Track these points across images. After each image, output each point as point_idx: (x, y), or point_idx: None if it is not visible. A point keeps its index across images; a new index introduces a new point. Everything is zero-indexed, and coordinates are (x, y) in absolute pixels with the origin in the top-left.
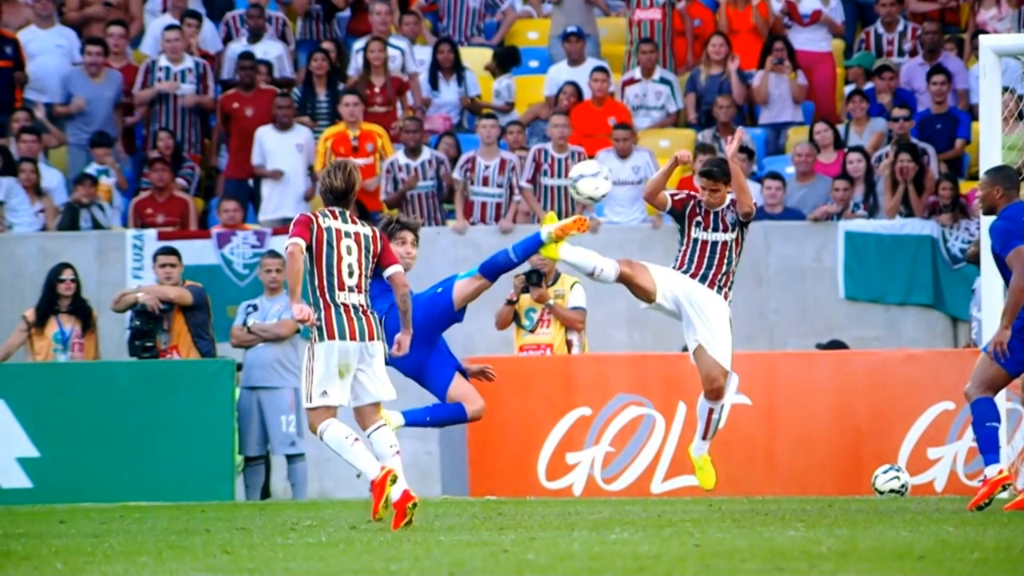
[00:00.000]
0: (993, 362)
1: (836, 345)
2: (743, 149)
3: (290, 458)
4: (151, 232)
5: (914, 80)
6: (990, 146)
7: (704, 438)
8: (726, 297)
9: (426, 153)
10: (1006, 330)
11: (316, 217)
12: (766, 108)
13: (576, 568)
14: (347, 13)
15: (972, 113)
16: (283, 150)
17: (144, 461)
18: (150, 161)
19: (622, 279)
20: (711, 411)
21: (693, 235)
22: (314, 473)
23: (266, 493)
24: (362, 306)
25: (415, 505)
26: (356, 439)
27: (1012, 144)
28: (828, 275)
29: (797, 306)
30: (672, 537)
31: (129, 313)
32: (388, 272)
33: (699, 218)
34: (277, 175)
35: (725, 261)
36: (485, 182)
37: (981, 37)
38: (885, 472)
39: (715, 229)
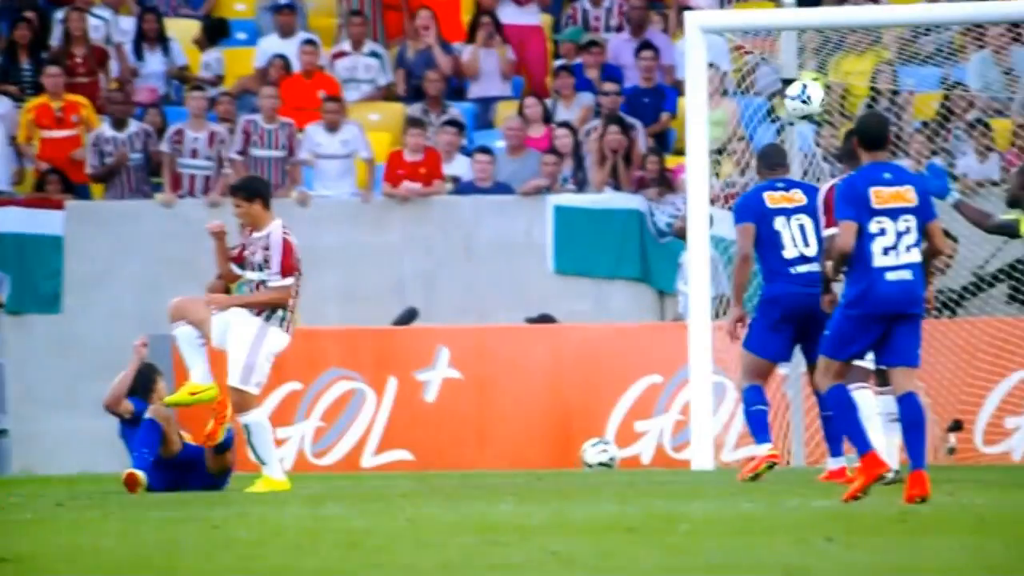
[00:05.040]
0: (749, 352)
1: (546, 319)
2: (453, 123)
3: None
4: None
5: (621, 55)
6: (696, 121)
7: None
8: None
9: (133, 125)
10: (736, 308)
11: None
12: (475, 82)
13: (288, 543)
14: None
15: (678, 88)
16: None
17: None
18: None
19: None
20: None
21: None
22: (18, 450)
23: None
24: None
25: None
26: None
27: (717, 119)
28: (538, 249)
29: (507, 280)
30: (384, 512)
31: None
32: None
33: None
34: None
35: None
36: (194, 154)
37: (686, 13)
38: (594, 445)
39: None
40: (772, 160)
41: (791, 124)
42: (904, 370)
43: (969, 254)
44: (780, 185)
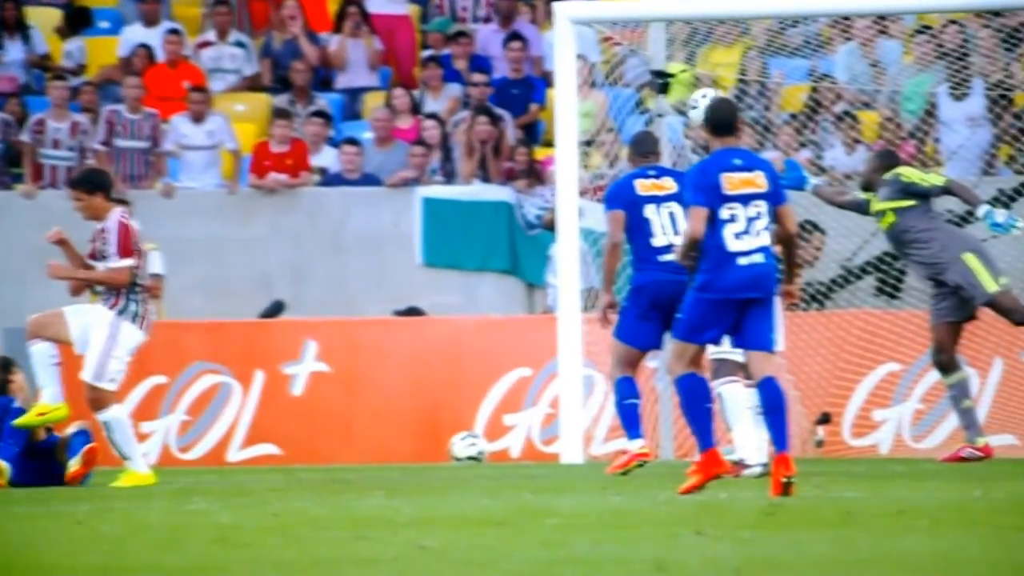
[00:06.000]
0: (620, 342)
1: (414, 312)
2: (320, 114)
3: None
4: None
5: (490, 46)
6: (565, 113)
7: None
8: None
9: None
10: (606, 295)
11: None
12: (343, 73)
13: (155, 539)
14: None
15: (547, 79)
16: None
17: None
18: None
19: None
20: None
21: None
22: None
23: None
24: None
25: None
26: None
27: (587, 111)
28: (406, 241)
29: (375, 273)
30: (251, 506)
31: None
32: None
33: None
34: None
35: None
36: (56, 145)
37: (555, 4)
38: (463, 439)
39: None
40: (644, 147)
41: (660, 116)
42: (760, 355)
43: (837, 247)
44: (651, 173)
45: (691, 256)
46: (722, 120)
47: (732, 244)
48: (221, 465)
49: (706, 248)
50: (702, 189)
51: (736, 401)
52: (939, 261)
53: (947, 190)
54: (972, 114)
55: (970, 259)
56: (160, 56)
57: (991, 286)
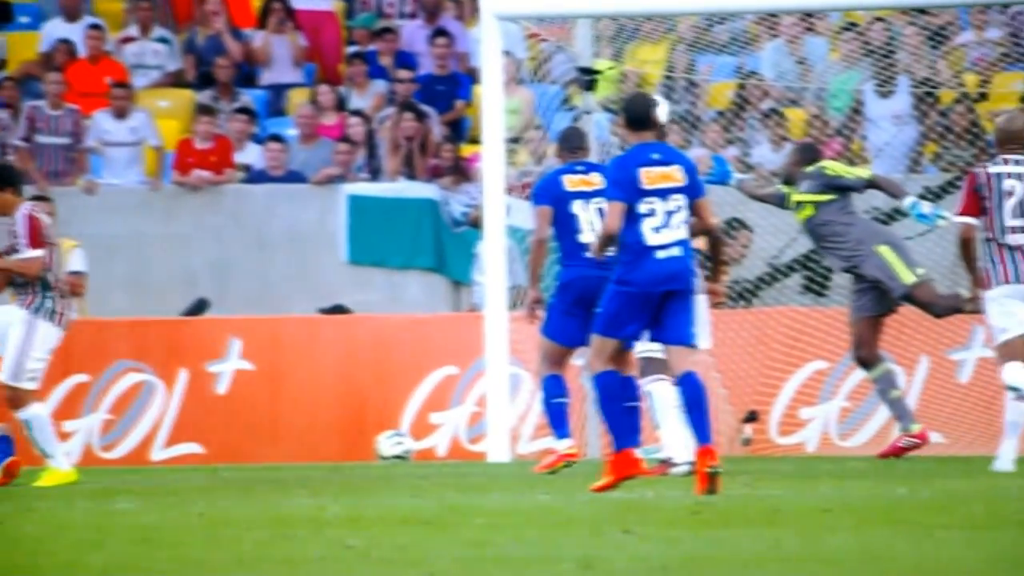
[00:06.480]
0: (546, 338)
1: (339, 310)
2: (244, 110)
3: None
4: None
5: (415, 42)
6: (491, 109)
7: None
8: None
9: None
10: (532, 290)
11: None
12: (267, 69)
13: (77, 539)
14: None
15: (473, 76)
16: None
17: None
18: None
19: None
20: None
21: None
22: None
23: None
24: None
25: None
26: None
27: (513, 108)
28: (331, 239)
29: (300, 270)
30: (176, 506)
31: None
32: None
33: None
34: None
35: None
36: None
37: (481, 1)
38: (389, 437)
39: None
40: (572, 143)
41: (587, 113)
42: (680, 350)
43: (764, 244)
44: (579, 168)
45: (605, 250)
46: (638, 115)
47: (650, 238)
48: (144, 464)
49: (625, 242)
50: (620, 184)
51: (664, 400)
52: (856, 253)
53: (872, 183)
54: (898, 112)
55: (885, 251)
56: (81, 51)
57: (907, 278)
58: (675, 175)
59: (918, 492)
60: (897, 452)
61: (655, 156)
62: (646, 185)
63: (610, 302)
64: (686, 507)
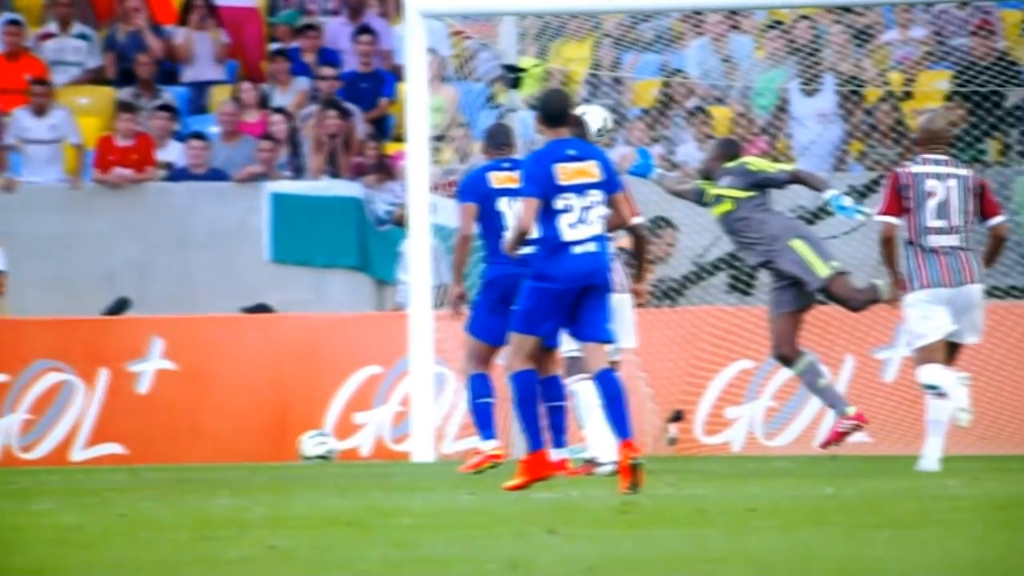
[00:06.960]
0: (472, 336)
1: (262, 309)
2: (166, 107)
3: None
4: None
5: (339, 39)
6: (416, 107)
7: None
8: None
9: None
10: (456, 286)
11: None
12: (189, 66)
13: None
14: None
15: (397, 73)
16: None
17: None
18: None
19: None
20: None
21: None
22: None
23: None
24: None
25: None
26: None
27: (437, 106)
28: (254, 237)
29: (222, 269)
30: (96, 507)
31: None
32: None
33: None
34: None
35: None
36: None
37: None
38: (312, 437)
39: None
40: (498, 140)
41: (512, 111)
42: (597, 347)
43: (690, 243)
44: (505, 165)
45: (518, 248)
46: (554, 111)
47: (567, 234)
48: (64, 465)
49: (541, 238)
50: (535, 180)
51: (589, 399)
52: (771, 248)
53: (795, 177)
54: (823, 110)
55: (798, 245)
56: (0, 47)
57: (822, 271)
58: (591, 170)
59: (844, 491)
60: (838, 438)
61: (571, 152)
62: (562, 181)
63: (527, 299)
64: (612, 507)
